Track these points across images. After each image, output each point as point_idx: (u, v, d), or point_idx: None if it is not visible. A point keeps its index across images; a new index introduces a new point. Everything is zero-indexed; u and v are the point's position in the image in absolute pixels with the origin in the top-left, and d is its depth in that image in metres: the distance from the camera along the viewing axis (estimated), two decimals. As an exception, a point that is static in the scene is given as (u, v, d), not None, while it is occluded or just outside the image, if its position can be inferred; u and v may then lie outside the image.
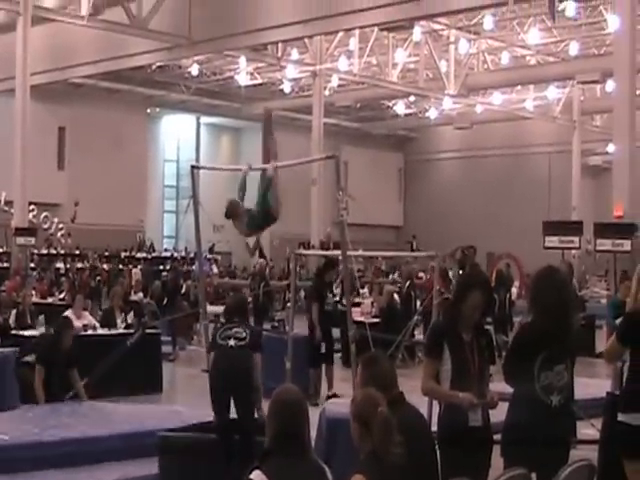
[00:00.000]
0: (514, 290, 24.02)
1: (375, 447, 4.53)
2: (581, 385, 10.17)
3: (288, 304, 17.11)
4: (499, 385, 6.26)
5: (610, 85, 31.08)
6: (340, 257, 11.63)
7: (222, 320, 11.13)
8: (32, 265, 30.45)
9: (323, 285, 15.42)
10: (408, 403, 5.56)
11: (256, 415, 8.81)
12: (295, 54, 35.50)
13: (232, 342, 8.96)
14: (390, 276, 32.67)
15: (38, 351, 12.02)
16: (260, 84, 42.36)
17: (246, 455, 8.35)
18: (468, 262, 18.47)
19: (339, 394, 14.13)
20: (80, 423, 10.46)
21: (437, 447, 5.77)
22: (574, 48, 34.90)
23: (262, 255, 30.94)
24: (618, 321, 6.82)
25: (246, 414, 8.78)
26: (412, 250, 41.12)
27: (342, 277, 13.12)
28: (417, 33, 32.23)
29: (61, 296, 23.90)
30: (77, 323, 15.07)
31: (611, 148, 26.85)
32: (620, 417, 6.30)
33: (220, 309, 23.16)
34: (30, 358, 12.26)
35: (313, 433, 6.61)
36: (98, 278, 33.00)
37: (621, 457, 6.28)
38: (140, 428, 10.11)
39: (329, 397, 14.20)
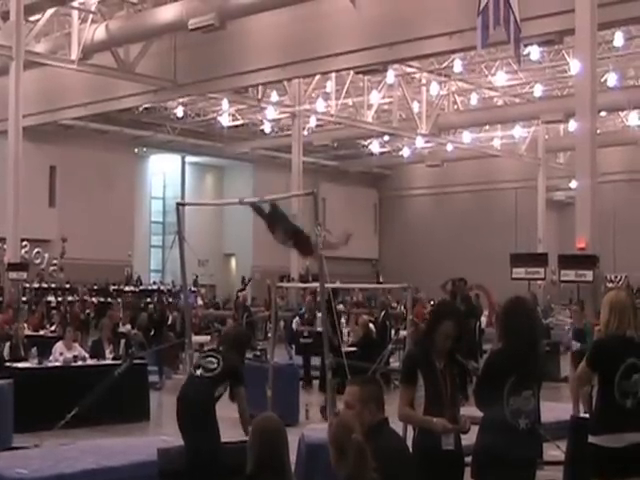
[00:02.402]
0: (483, 319, 24.04)
1: (350, 472, 4.52)
2: (547, 409, 10.20)
3: (269, 334, 17.12)
4: (469, 409, 6.28)
5: (572, 124, 31.33)
6: (318, 289, 11.66)
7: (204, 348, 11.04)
8: (24, 299, 30.27)
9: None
10: (393, 429, 5.48)
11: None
12: (275, 96, 35.63)
13: (199, 371, 8.48)
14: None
15: None
16: (242, 125, 42.50)
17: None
18: (459, 293, 18.43)
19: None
20: (85, 456, 10.28)
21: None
22: (538, 90, 35.28)
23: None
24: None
25: (200, 444, 8.22)
26: (378, 281, 41.20)
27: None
28: (391, 76, 32.42)
29: (52, 328, 23.76)
30: (68, 354, 15.03)
31: (574, 184, 26.99)
32: (591, 439, 6.32)
33: (205, 339, 23.23)
34: None
35: (293, 458, 6.61)
36: (87, 311, 32.85)
37: (590, 477, 6.29)
38: (148, 458, 9.60)
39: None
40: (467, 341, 16.93)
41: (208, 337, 23.92)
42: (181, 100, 36.76)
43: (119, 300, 34.21)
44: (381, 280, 42.64)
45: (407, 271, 37.13)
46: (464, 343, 15.80)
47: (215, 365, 8.44)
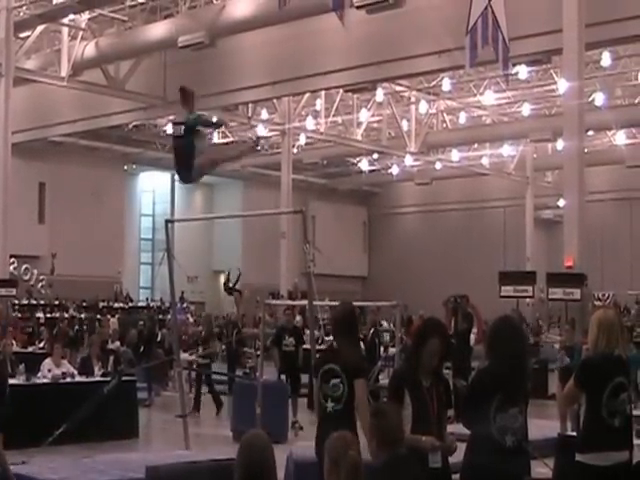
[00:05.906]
0: (472, 336, 24.01)
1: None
2: (535, 426, 10.15)
3: (259, 351, 17.20)
4: (456, 427, 6.28)
5: (560, 143, 31.41)
6: (307, 306, 11.66)
7: None
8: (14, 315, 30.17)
9: (282, 331, 17.52)
10: (409, 467, 5.03)
11: None
12: (265, 114, 35.67)
13: None
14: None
15: None
16: (231, 142, 42.51)
17: None
18: (460, 310, 18.46)
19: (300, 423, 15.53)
20: (85, 473, 10.16)
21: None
22: (527, 109, 35.40)
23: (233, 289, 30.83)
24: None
25: None
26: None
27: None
28: (380, 94, 32.50)
29: (41, 345, 23.68)
30: (56, 371, 14.97)
31: (562, 203, 27.05)
32: (578, 457, 6.32)
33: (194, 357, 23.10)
34: None
35: (281, 475, 6.58)
36: (77, 327, 32.74)
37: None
38: (136, 475, 9.56)
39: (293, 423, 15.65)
40: (462, 359, 16.97)
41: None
42: (171, 117, 36.70)
43: (115, 317, 33.97)
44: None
45: (396, 289, 37.07)
46: (459, 361, 15.82)
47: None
